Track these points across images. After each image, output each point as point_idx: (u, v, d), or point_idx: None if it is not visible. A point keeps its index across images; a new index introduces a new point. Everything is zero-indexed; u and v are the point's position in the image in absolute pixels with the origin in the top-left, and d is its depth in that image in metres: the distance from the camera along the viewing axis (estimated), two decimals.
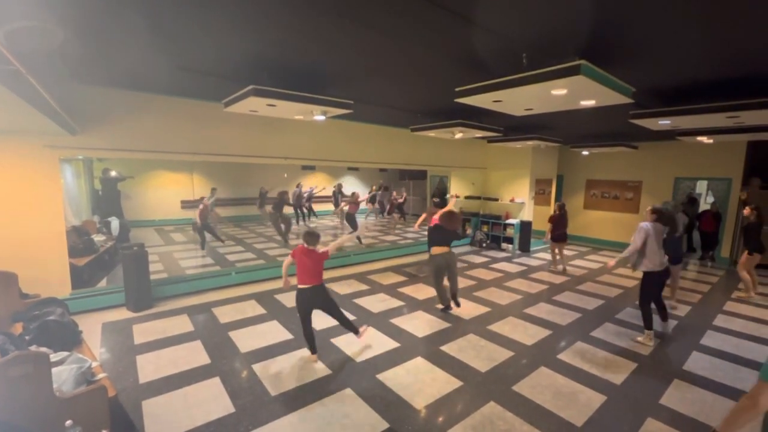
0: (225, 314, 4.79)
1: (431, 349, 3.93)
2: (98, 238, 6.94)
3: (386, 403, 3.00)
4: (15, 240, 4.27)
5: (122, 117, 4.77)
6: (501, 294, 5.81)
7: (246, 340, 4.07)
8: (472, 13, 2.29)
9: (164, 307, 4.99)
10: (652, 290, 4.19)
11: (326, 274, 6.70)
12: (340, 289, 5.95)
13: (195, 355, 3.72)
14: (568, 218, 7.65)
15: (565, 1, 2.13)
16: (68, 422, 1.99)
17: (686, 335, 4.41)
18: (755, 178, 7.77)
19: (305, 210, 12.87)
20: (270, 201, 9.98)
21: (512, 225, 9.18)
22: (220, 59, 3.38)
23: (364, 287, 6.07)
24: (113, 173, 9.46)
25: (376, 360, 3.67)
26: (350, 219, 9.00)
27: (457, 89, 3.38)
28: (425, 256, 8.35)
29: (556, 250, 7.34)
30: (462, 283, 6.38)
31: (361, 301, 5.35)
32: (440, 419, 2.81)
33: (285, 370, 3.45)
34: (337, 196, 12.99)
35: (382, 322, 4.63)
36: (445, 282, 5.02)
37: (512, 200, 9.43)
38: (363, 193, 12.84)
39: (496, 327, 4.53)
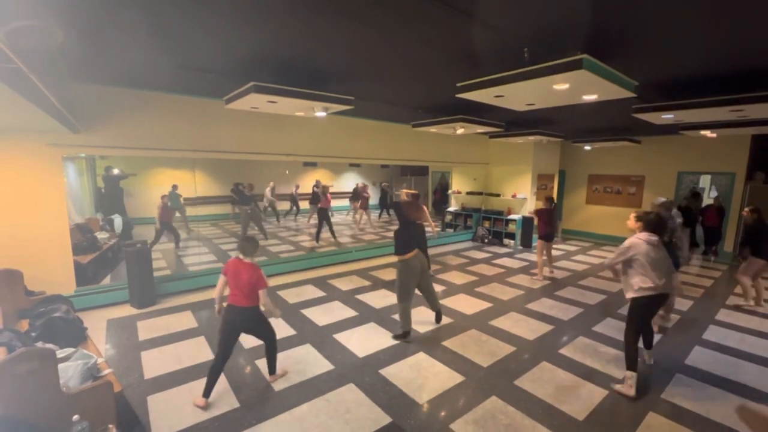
0: None
1: (433, 344, 3.95)
2: (101, 235, 6.98)
3: (389, 397, 3.02)
4: (20, 238, 4.30)
5: (124, 115, 4.78)
6: (503, 289, 5.82)
7: (248, 336, 4.08)
8: (473, 8, 2.28)
9: (168, 304, 5.03)
10: (644, 317, 3.19)
11: (327, 270, 6.75)
12: (342, 285, 5.97)
13: (199, 350, 3.75)
14: (570, 214, 7.50)
15: None
16: (75, 417, 2.01)
17: (688, 330, 4.41)
18: (759, 172, 7.72)
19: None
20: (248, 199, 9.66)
21: (514, 221, 9.17)
22: (221, 56, 3.38)
23: (366, 283, 6.09)
24: (116, 171, 9.49)
25: (379, 355, 3.69)
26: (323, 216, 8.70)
27: (458, 84, 3.36)
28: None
29: (544, 252, 6.39)
30: (464, 278, 6.39)
31: (363, 297, 5.37)
32: (443, 414, 2.83)
33: (288, 366, 3.47)
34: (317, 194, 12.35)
35: (385, 318, 4.65)
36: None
37: (514, 196, 9.41)
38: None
39: (497, 322, 4.54)
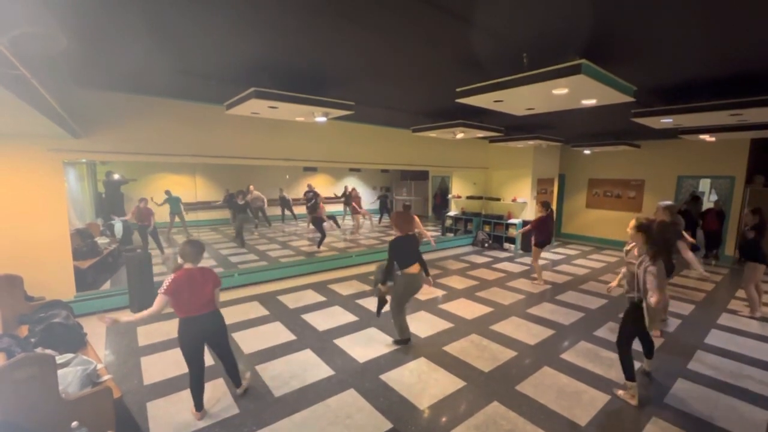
0: (228, 316, 4.79)
1: (434, 349, 3.93)
2: (102, 240, 6.98)
3: (389, 403, 3.00)
4: (20, 243, 4.30)
5: (125, 120, 4.80)
6: (504, 294, 5.80)
7: (249, 341, 4.08)
8: (472, 14, 2.30)
9: (167, 309, 5.00)
10: (637, 324, 3.06)
11: (328, 275, 6.73)
12: (342, 290, 5.96)
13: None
14: (571, 218, 7.49)
15: (566, 1, 2.13)
16: (74, 423, 2.00)
17: (690, 334, 4.39)
18: (759, 175, 7.73)
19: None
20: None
21: (514, 225, 9.16)
22: (222, 62, 3.40)
23: (366, 288, 6.07)
24: (116, 176, 9.51)
25: (379, 360, 3.68)
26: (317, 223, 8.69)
27: (458, 89, 3.37)
28: (428, 257, 8.36)
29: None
30: (464, 283, 6.38)
31: (364, 302, 5.35)
32: (444, 419, 2.81)
33: (288, 371, 3.45)
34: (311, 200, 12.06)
35: (386, 323, 4.63)
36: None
37: (514, 200, 9.41)
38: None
39: (498, 327, 4.52)
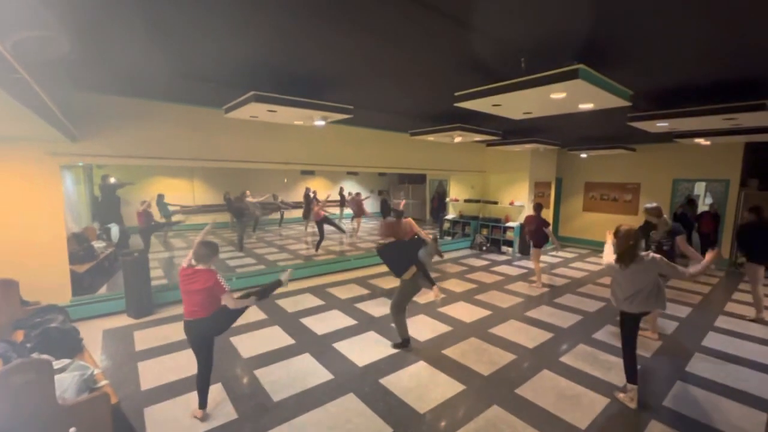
0: None
1: (433, 353, 3.93)
2: (98, 244, 6.93)
3: (389, 407, 2.99)
4: (16, 247, 4.26)
5: (122, 123, 4.79)
6: (502, 297, 5.81)
7: (247, 345, 4.06)
8: (470, 18, 2.32)
9: (165, 314, 4.98)
10: (629, 333, 3.12)
11: (326, 279, 6.72)
12: (341, 293, 5.94)
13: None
14: (567, 221, 7.51)
15: (563, 6, 2.16)
16: (71, 429, 1.98)
17: (688, 336, 4.41)
18: (753, 179, 7.81)
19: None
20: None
21: (512, 228, 9.19)
22: (221, 66, 3.41)
23: (364, 291, 6.07)
24: (112, 180, 9.47)
25: (379, 364, 3.66)
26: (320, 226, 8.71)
27: (456, 94, 3.40)
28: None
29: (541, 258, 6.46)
30: (462, 286, 6.39)
31: (363, 306, 5.34)
32: (443, 423, 2.81)
33: (287, 376, 3.43)
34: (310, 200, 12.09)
35: (384, 327, 4.62)
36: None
37: (512, 203, 9.45)
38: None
39: (497, 330, 4.53)
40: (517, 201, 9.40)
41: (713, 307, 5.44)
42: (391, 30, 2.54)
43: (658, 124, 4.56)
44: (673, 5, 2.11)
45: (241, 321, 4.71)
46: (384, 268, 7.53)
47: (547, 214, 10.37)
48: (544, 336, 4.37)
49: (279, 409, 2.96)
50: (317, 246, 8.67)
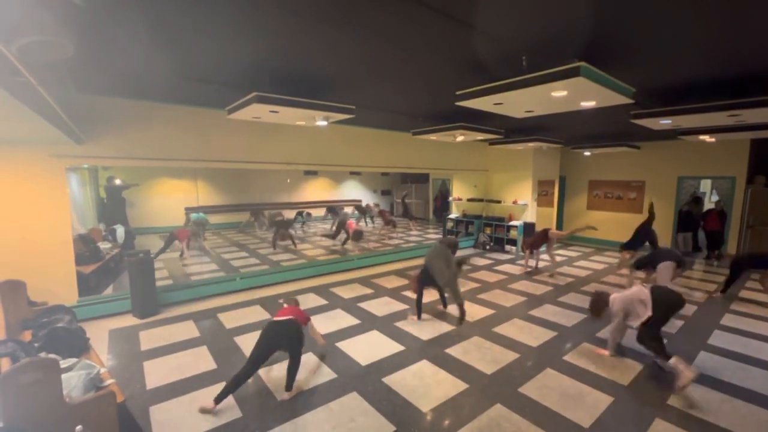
0: (230, 319, 4.82)
1: (436, 351, 3.93)
2: (104, 245, 7.00)
3: (392, 406, 3.00)
4: (23, 248, 4.32)
5: (126, 125, 4.84)
6: (505, 296, 5.80)
7: (252, 345, 4.05)
8: (471, 17, 2.33)
9: (170, 314, 5.02)
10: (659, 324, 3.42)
11: (329, 279, 6.74)
12: (344, 293, 5.96)
13: (201, 360, 3.74)
14: (572, 220, 7.54)
15: (564, 4, 2.15)
16: (78, 428, 2.01)
17: (693, 335, 4.38)
18: (760, 175, 7.73)
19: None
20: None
21: (515, 227, 9.17)
22: (224, 67, 3.43)
23: (368, 291, 6.08)
24: (118, 181, 9.56)
25: (382, 363, 3.67)
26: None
27: (457, 92, 3.40)
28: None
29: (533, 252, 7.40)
30: (466, 285, 6.37)
31: (366, 305, 5.35)
32: (447, 422, 2.81)
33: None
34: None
35: (387, 325, 4.63)
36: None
37: (515, 202, 9.42)
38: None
39: (501, 329, 4.52)
40: (520, 200, 9.37)
41: (719, 305, 5.40)
42: (393, 30, 2.55)
43: (661, 122, 4.53)
44: (675, 2, 2.10)
45: (244, 321, 4.76)
46: (386, 268, 7.57)
47: (551, 213, 10.36)
48: (548, 335, 4.36)
49: (283, 408, 2.98)
50: (344, 242, 9.13)
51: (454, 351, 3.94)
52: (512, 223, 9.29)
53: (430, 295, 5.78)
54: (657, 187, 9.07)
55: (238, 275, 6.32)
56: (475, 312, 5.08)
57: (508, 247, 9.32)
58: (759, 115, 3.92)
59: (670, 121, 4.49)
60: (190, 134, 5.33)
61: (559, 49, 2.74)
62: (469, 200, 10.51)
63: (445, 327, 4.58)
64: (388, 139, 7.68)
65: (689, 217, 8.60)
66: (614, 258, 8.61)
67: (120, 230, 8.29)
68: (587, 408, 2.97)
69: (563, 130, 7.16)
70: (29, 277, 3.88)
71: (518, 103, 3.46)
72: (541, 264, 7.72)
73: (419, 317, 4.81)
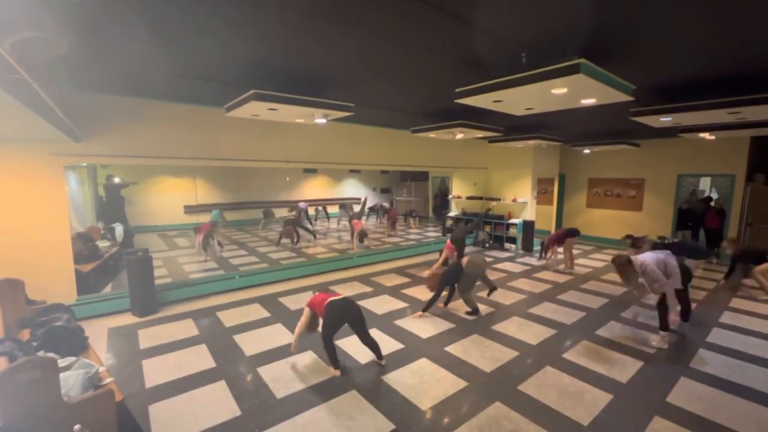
0: (229, 318, 4.81)
1: (436, 349, 3.93)
2: (103, 244, 6.98)
3: (392, 404, 3.00)
4: (21, 247, 4.31)
5: (125, 123, 4.82)
6: (505, 294, 5.80)
7: (251, 343, 4.08)
8: (471, 14, 2.31)
9: (169, 312, 5.02)
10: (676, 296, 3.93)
11: (329, 277, 6.74)
12: (344, 291, 5.94)
13: (200, 359, 3.73)
14: (571, 217, 7.58)
15: (564, 1, 2.14)
16: (76, 427, 2.00)
17: (693, 332, 4.38)
18: (759, 173, 7.72)
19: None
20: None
21: (515, 225, 9.16)
22: (222, 64, 3.41)
23: (367, 289, 6.08)
24: (117, 180, 9.53)
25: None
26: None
27: (457, 90, 3.38)
28: (428, 258, 8.36)
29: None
30: None
31: (366, 303, 5.35)
32: (446, 420, 2.81)
33: (290, 373, 3.45)
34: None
35: (387, 323, 4.63)
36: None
37: (514, 200, 9.41)
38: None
39: (500, 327, 4.52)
40: (520, 198, 9.36)
41: (718, 303, 5.40)
42: (392, 27, 2.53)
43: (661, 119, 4.51)
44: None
45: (243, 319, 4.75)
46: (386, 266, 7.57)
47: (551, 211, 10.36)
48: (547, 332, 4.36)
49: (282, 406, 2.97)
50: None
51: (454, 349, 3.94)
52: (511, 221, 9.28)
53: (429, 294, 5.79)
54: (656, 185, 9.07)
55: (238, 273, 6.31)
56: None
57: (507, 245, 9.32)
58: (760, 112, 3.91)
59: (670, 119, 4.48)
60: (189, 132, 5.30)
61: (559, 46, 2.72)
62: (468, 198, 10.50)
63: (445, 325, 4.58)
64: (387, 137, 7.67)
65: (689, 215, 8.60)
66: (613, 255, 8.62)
67: (119, 228, 8.27)
68: (586, 406, 2.97)
69: (563, 128, 7.14)
70: (28, 275, 3.87)
71: (518, 100, 3.45)
72: (557, 275, 7.52)
73: (425, 311, 4.85)
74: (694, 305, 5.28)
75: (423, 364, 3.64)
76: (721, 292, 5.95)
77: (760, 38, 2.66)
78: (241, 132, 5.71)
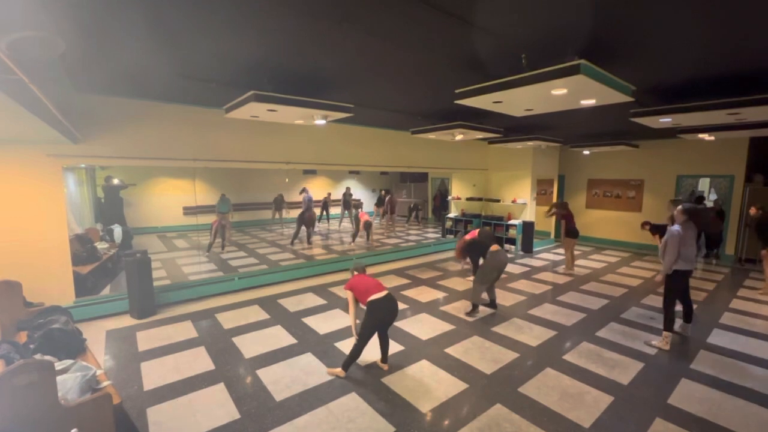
0: (229, 320, 4.79)
1: (436, 351, 3.91)
2: (101, 245, 6.96)
3: (392, 406, 2.98)
4: (19, 249, 4.28)
5: (124, 125, 4.80)
6: (505, 295, 5.78)
7: (250, 345, 4.06)
8: (471, 15, 2.30)
9: (168, 314, 4.99)
10: (680, 288, 4.04)
11: (328, 278, 6.72)
12: (343, 292, 5.92)
13: (199, 361, 3.71)
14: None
15: (564, 2, 2.13)
16: (73, 430, 1.98)
17: (693, 334, 4.37)
18: (758, 174, 7.73)
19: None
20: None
21: (515, 226, 9.15)
22: (221, 65, 3.40)
23: None
24: (115, 181, 9.51)
25: None
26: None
27: (456, 91, 3.38)
28: (428, 259, 8.34)
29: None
30: (465, 285, 6.36)
31: None
32: (446, 422, 2.79)
33: (289, 375, 3.43)
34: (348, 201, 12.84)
35: None
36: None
37: (514, 201, 9.41)
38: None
39: (500, 328, 4.51)
40: (519, 199, 9.36)
41: (718, 304, 5.40)
42: (392, 27, 2.52)
43: (661, 120, 4.51)
44: (676, 0, 2.08)
45: (243, 321, 4.73)
46: (386, 267, 7.55)
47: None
48: (547, 334, 4.35)
49: (281, 408, 2.95)
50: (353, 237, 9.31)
51: (454, 351, 3.92)
52: (511, 222, 9.28)
53: (429, 295, 5.77)
54: (656, 186, 9.07)
55: (237, 275, 6.29)
56: (476, 313, 5.06)
57: (507, 247, 9.31)
58: (759, 113, 3.91)
59: (670, 120, 4.48)
60: (188, 133, 5.29)
61: (559, 47, 2.72)
62: (468, 199, 10.49)
63: (445, 326, 4.56)
64: (387, 138, 7.66)
65: None
66: (613, 257, 8.62)
67: (117, 230, 8.25)
68: (587, 407, 2.96)
69: (563, 129, 7.15)
70: (25, 277, 3.85)
71: (518, 101, 3.44)
72: (557, 277, 7.46)
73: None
74: (694, 306, 5.27)
75: (423, 365, 3.62)
76: (721, 292, 5.95)
77: (759, 39, 2.66)
78: (241, 133, 5.70)
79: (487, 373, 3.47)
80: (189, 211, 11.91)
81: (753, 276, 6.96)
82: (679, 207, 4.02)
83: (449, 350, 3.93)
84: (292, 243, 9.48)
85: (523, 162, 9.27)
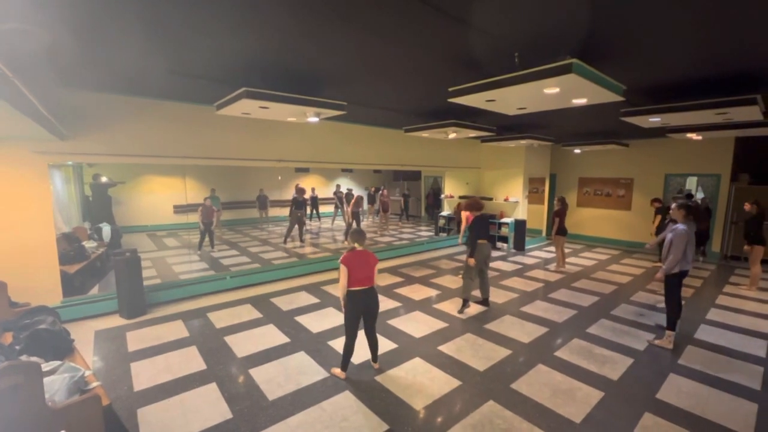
0: (220, 319, 4.75)
1: (429, 349, 3.93)
2: (89, 244, 6.84)
3: (385, 404, 2.98)
4: (4, 248, 4.18)
5: (112, 121, 4.71)
6: (497, 293, 5.83)
7: (242, 344, 4.03)
8: (464, 13, 2.30)
9: (158, 314, 4.93)
10: (680, 286, 3.96)
11: (321, 277, 6.70)
12: (336, 291, 5.91)
13: (190, 361, 3.67)
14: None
15: (557, 1, 2.14)
16: None
17: (680, 329, 4.45)
18: (744, 174, 7.89)
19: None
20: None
21: (507, 224, 9.22)
22: (213, 62, 3.35)
23: None
24: (104, 179, 9.34)
25: None
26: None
27: (450, 89, 3.38)
28: (421, 257, 8.36)
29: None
30: (457, 282, 6.39)
31: None
32: (440, 419, 2.81)
33: (282, 374, 3.42)
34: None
35: (380, 323, 4.60)
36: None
37: (506, 199, 9.48)
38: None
39: (493, 326, 4.54)
40: (512, 197, 9.42)
41: (705, 301, 5.51)
42: (385, 25, 2.51)
43: (651, 119, 4.58)
44: (667, 2, 2.10)
45: (235, 320, 4.69)
46: (381, 265, 7.52)
47: (542, 210, 10.44)
48: (539, 331, 4.39)
49: (274, 407, 2.94)
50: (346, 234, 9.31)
51: (447, 348, 3.94)
52: (504, 220, 9.34)
53: (422, 293, 5.79)
54: (645, 185, 9.21)
55: (229, 274, 6.23)
56: (467, 309, 5.09)
57: (499, 245, 9.38)
58: (746, 113, 3.99)
59: (659, 119, 4.55)
60: (179, 130, 5.21)
61: (552, 46, 2.73)
62: (461, 197, 10.53)
63: (438, 324, 4.58)
64: (380, 136, 7.65)
65: None
66: (604, 254, 8.73)
67: (106, 229, 8.11)
68: (578, 403, 3.00)
69: (554, 128, 7.21)
70: (10, 277, 3.77)
71: (511, 100, 3.46)
72: (548, 274, 7.57)
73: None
74: (682, 302, 5.37)
75: (416, 363, 3.63)
76: (707, 289, 6.07)
77: (748, 40, 2.71)
78: (233, 131, 5.63)
79: (479, 370, 3.50)
80: (179, 209, 11.77)
81: (738, 273, 7.12)
82: (673, 205, 4.01)
83: (442, 348, 3.95)
84: (284, 242, 9.43)
85: (515, 160, 9.33)
